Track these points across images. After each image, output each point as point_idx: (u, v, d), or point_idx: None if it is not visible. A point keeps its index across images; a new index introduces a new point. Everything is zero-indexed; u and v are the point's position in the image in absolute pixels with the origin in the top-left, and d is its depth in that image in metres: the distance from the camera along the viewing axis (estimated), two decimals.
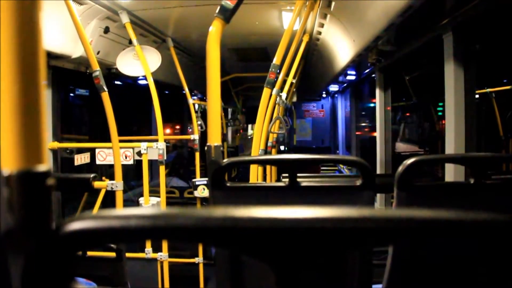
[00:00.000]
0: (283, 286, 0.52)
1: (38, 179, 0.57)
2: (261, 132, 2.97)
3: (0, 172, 0.56)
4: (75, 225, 0.53)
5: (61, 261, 0.53)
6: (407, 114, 8.50)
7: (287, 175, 1.71)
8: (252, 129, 9.18)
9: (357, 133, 8.93)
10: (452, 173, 2.69)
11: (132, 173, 6.74)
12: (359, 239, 0.53)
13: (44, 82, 0.57)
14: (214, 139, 1.74)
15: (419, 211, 0.52)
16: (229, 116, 9.85)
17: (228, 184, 1.68)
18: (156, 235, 0.54)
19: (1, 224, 0.56)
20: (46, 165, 0.58)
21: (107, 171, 5.40)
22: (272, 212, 0.50)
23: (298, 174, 1.70)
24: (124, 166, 3.81)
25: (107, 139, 3.47)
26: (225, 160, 1.68)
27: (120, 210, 0.54)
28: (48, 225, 0.57)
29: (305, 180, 1.72)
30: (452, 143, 2.72)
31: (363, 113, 9.29)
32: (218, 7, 1.73)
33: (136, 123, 8.66)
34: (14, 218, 0.56)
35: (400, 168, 1.59)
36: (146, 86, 4.12)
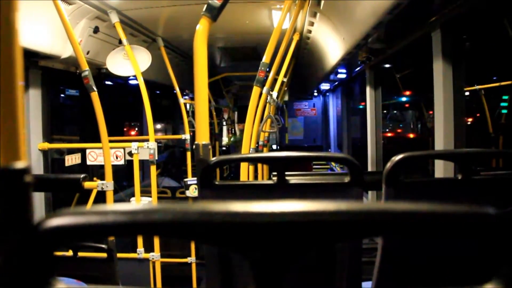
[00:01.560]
0: (261, 283, 0.52)
1: (16, 175, 0.57)
2: (251, 131, 2.96)
3: None
4: (54, 222, 0.53)
5: (41, 258, 0.53)
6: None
7: (276, 173, 1.71)
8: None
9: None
10: (441, 169, 2.71)
11: (123, 173, 6.72)
12: (341, 232, 0.53)
13: (21, 82, 0.57)
14: (202, 138, 1.74)
15: (404, 204, 0.53)
16: (224, 116, 9.84)
17: (216, 182, 1.68)
18: (134, 231, 0.54)
19: None
20: (24, 162, 0.58)
21: (99, 172, 5.38)
22: (250, 206, 0.50)
23: (288, 172, 1.71)
24: (115, 166, 3.80)
25: (98, 139, 3.46)
26: (213, 159, 1.68)
27: (99, 206, 0.54)
28: (27, 222, 0.57)
29: (294, 178, 1.73)
30: (441, 140, 2.74)
31: (355, 111, 9.32)
32: (205, 6, 1.73)
33: (127, 123, 8.63)
34: None
35: (388, 165, 1.59)
36: (137, 86, 4.11)
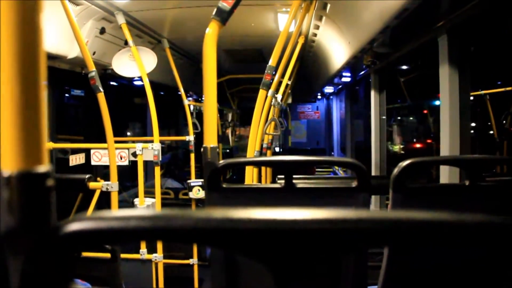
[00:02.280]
0: (281, 286, 0.52)
1: (37, 179, 0.57)
2: (256, 133, 2.97)
3: (0, 173, 0.56)
4: (74, 226, 0.53)
5: (60, 262, 0.53)
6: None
7: (282, 176, 1.71)
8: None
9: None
10: (447, 174, 2.71)
11: (125, 174, 6.73)
12: (356, 241, 0.53)
13: (44, 83, 0.58)
14: (210, 141, 1.74)
15: (415, 213, 0.53)
16: (227, 118, 9.84)
17: (224, 186, 1.68)
18: (156, 236, 0.54)
19: (1, 224, 0.56)
20: (45, 166, 0.58)
21: (102, 172, 5.38)
22: (270, 213, 0.50)
23: (294, 176, 1.71)
24: (119, 167, 3.80)
25: (102, 139, 3.46)
26: (221, 162, 1.68)
27: (119, 211, 0.54)
28: (47, 226, 0.57)
29: (301, 182, 1.73)
30: (447, 145, 2.74)
31: (358, 114, 9.31)
32: (215, 9, 1.73)
33: (131, 124, 8.65)
34: (13, 218, 0.56)
35: (396, 170, 1.59)
36: (142, 87, 4.12)
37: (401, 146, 9.33)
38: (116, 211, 0.54)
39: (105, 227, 0.52)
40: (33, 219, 0.57)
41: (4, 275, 0.57)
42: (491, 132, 5.66)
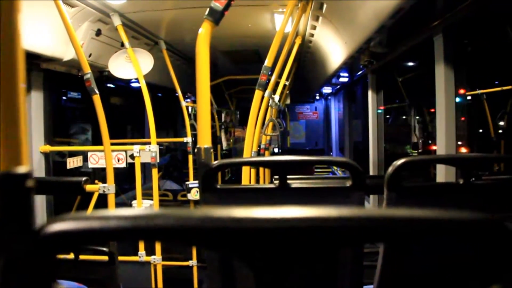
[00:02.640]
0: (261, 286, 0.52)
1: (17, 180, 0.57)
2: (253, 134, 2.96)
3: None
4: (56, 226, 0.53)
5: (42, 262, 0.53)
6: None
7: (278, 177, 1.71)
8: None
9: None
10: (443, 173, 2.70)
11: (124, 176, 6.72)
12: (348, 238, 0.53)
13: (22, 85, 0.57)
14: (204, 141, 1.74)
15: (408, 210, 0.53)
16: (223, 119, 9.82)
17: (218, 186, 1.68)
18: (136, 236, 0.54)
19: None
20: (26, 166, 0.57)
21: (100, 175, 5.38)
22: (252, 212, 0.50)
23: (290, 176, 1.71)
24: (116, 169, 3.80)
25: (99, 142, 3.45)
26: (215, 162, 1.68)
27: (101, 211, 0.54)
28: (28, 226, 0.57)
29: (296, 182, 1.72)
30: (443, 143, 2.74)
31: (357, 114, 9.30)
32: (207, 9, 1.73)
33: (129, 126, 8.64)
34: None
35: (390, 169, 1.59)
36: (139, 89, 4.11)
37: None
38: (99, 211, 0.54)
39: (86, 228, 0.52)
40: (14, 220, 0.56)
41: None
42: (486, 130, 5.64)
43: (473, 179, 1.60)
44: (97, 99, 3.19)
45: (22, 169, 0.57)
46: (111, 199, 3.45)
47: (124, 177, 6.68)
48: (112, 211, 0.53)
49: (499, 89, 5.40)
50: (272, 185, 1.69)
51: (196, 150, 1.74)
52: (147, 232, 0.51)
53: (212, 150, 1.78)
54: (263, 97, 3.15)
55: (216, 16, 1.72)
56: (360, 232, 0.52)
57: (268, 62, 2.80)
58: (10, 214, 0.56)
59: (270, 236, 0.50)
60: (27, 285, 0.53)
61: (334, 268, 1.69)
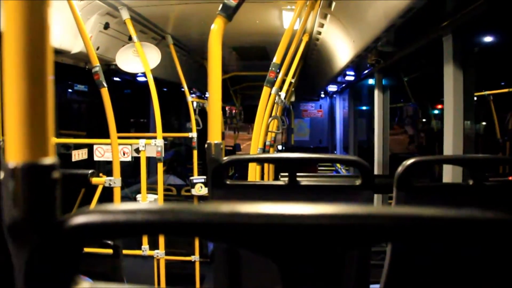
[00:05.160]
0: (287, 281, 0.52)
1: (43, 172, 0.57)
2: (260, 131, 2.96)
3: (5, 165, 0.56)
4: (80, 219, 0.53)
5: (65, 255, 0.53)
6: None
7: (286, 174, 1.71)
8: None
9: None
10: (450, 174, 2.70)
11: (128, 170, 6.73)
12: (363, 236, 0.53)
13: (51, 77, 0.57)
14: (215, 137, 1.74)
15: (421, 209, 0.53)
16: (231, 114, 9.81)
17: (228, 182, 1.68)
18: (163, 230, 0.54)
19: (6, 217, 0.56)
20: (51, 158, 0.58)
21: (104, 168, 5.39)
22: (278, 208, 0.50)
23: (297, 174, 1.71)
24: (121, 163, 3.80)
25: (105, 135, 3.46)
26: (225, 158, 1.68)
27: (125, 204, 0.54)
28: (53, 219, 0.57)
29: (305, 179, 1.73)
30: (450, 144, 2.73)
31: (361, 113, 9.30)
32: (221, 5, 1.73)
33: (134, 120, 8.65)
34: (18, 211, 0.56)
35: (400, 169, 1.59)
36: (145, 83, 4.11)
37: None
38: (123, 204, 0.54)
39: (111, 221, 0.52)
40: (39, 211, 0.56)
41: (8, 268, 0.57)
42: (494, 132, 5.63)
43: (482, 180, 1.60)
44: (105, 92, 3.19)
45: (48, 160, 0.57)
46: (117, 193, 3.45)
47: (127, 171, 6.70)
48: (137, 204, 0.53)
49: (506, 90, 5.39)
50: (281, 182, 1.70)
51: (206, 145, 1.74)
52: (174, 227, 0.51)
53: (222, 146, 1.78)
54: (270, 94, 3.15)
55: (229, 12, 1.72)
56: (376, 230, 0.52)
57: (276, 59, 2.80)
58: (35, 205, 0.56)
59: (295, 232, 0.50)
60: (51, 276, 0.53)
61: (340, 267, 1.68)
